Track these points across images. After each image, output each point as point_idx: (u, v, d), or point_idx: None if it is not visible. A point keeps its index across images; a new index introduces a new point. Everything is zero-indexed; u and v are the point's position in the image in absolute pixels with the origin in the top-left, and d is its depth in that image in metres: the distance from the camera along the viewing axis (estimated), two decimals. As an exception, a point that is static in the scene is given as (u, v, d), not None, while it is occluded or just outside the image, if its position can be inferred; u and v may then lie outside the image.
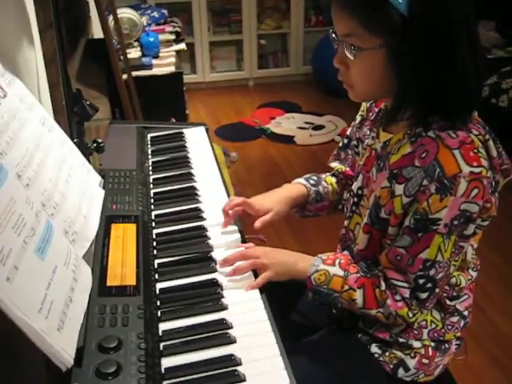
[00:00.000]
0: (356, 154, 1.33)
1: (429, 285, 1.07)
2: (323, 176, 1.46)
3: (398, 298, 1.10)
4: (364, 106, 1.32)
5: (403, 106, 1.06)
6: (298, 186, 1.40)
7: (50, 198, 1.04)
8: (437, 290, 1.09)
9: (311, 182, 1.41)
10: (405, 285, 1.09)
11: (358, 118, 1.34)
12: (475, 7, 1.02)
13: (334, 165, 1.43)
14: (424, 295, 1.08)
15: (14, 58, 1.23)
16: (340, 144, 1.41)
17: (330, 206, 1.44)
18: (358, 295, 1.13)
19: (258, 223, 1.29)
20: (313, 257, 1.19)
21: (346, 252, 1.27)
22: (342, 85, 1.13)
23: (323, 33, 5.06)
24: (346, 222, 1.29)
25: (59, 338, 0.80)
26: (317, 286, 1.15)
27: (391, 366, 1.19)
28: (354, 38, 1.03)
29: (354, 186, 1.25)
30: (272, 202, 1.34)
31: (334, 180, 1.45)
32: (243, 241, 1.26)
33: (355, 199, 1.25)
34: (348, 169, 1.40)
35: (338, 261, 1.17)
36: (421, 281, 1.07)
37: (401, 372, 1.19)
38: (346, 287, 1.13)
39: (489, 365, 2.13)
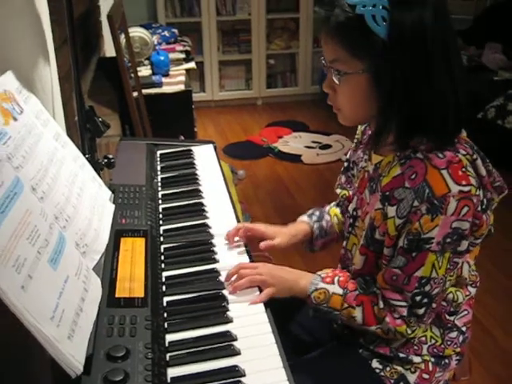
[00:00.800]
0: (352, 176, 1.36)
1: (425, 300, 1.10)
2: (327, 209, 1.48)
3: (396, 315, 1.12)
4: (359, 129, 1.36)
5: (385, 129, 1.09)
6: (301, 225, 1.44)
7: (63, 210, 1.07)
8: (433, 305, 1.12)
9: (314, 218, 1.44)
10: (402, 303, 1.11)
11: (355, 141, 1.37)
12: (482, 30, 1.06)
13: (339, 191, 1.44)
14: (421, 311, 1.11)
15: (30, 74, 1.27)
16: (342, 168, 1.44)
17: (337, 238, 1.46)
18: (358, 313, 1.15)
19: (263, 244, 1.32)
20: (308, 274, 1.23)
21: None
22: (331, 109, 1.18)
23: (331, 53, 5.11)
24: (344, 243, 1.32)
25: (69, 345, 0.83)
26: (317, 304, 1.18)
27: (392, 381, 1.20)
28: (339, 63, 1.08)
29: (350, 208, 1.28)
30: (279, 232, 1.38)
31: (338, 210, 1.46)
32: (250, 256, 1.28)
33: (351, 220, 1.28)
34: (351, 193, 1.40)
35: (336, 278, 1.20)
36: (417, 298, 1.10)
37: None
38: (346, 305, 1.16)
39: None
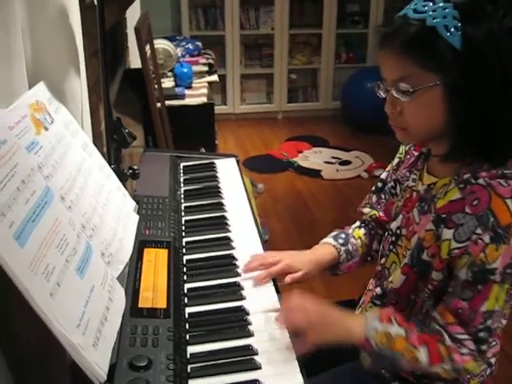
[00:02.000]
0: (392, 195, 1.34)
1: (486, 335, 1.07)
2: (350, 231, 1.44)
3: (464, 351, 1.07)
4: (402, 148, 1.34)
5: (463, 143, 1.07)
6: (327, 248, 1.38)
7: (90, 220, 1.09)
8: (490, 340, 1.09)
9: (340, 241, 1.39)
10: (468, 337, 1.07)
11: (396, 161, 1.35)
12: None
13: (367, 210, 1.41)
14: (484, 347, 1.08)
15: (61, 85, 1.30)
16: (373, 188, 1.41)
17: (360, 262, 1.42)
18: (422, 353, 1.08)
19: (288, 279, 1.27)
20: (358, 316, 1.16)
21: (378, 289, 1.28)
22: (389, 127, 1.14)
23: (353, 69, 5.15)
24: (382, 260, 1.30)
25: (94, 353, 0.84)
26: (379, 349, 1.08)
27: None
28: (409, 79, 1.05)
29: (393, 226, 1.26)
30: (303, 262, 1.32)
31: (362, 232, 1.43)
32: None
33: (393, 238, 1.25)
34: (382, 214, 1.38)
35: (393, 318, 1.12)
36: (481, 334, 1.06)
37: None
38: (409, 346, 1.08)
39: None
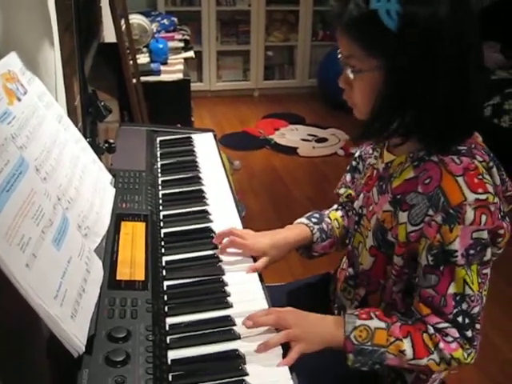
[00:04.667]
0: (359, 172, 1.33)
1: (467, 320, 1.03)
2: (326, 212, 1.42)
3: (449, 339, 1.04)
4: None
5: (388, 127, 1.06)
6: (300, 227, 1.36)
7: (66, 192, 1.07)
8: (478, 327, 1.05)
9: (313, 220, 1.37)
10: (449, 325, 1.04)
11: None
12: (480, 28, 1.02)
13: (343, 191, 1.40)
14: (468, 333, 1.04)
15: (34, 57, 1.27)
16: (348, 167, 1.39)
17: (337, 243, 1.39)
18: (406, 345, 1.04)
19: (250, 270, 1.20)
20: (336, 318, 1.11)
21: (350, 269, 1.28)
22: (347, 103, 1.14)
23: (330, 47, 5.12)
24: (351, 239, 1.30)
25: (72, 325, 0.84)
26: (359, 344, 1.05)
27: (389, 380, 1.20)
28: (353, 59, 1.05)
29: (356, 205, 1.26)
30: (268, 245, 1.27)
31: (339, 214, 1.41)
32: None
33: (357, 218, 1.25)
34: (354, 192, 1.37)
35: (372, 313, 1.08)
36: (459, 318, 1.03)
37: None
38: (392, 339, 1.05)
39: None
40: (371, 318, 1.07)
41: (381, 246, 1.15)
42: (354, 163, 1.38)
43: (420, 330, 1.05)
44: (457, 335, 1.04)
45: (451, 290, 1.02)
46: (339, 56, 1.10)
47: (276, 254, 1.28)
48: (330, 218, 1.41)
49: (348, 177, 1.39)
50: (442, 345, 1.03)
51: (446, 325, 1.04)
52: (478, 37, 1.03)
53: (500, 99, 3.88)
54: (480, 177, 1.01)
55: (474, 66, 1.03)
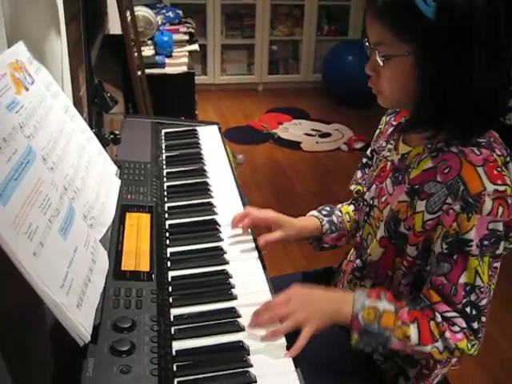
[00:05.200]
0: (369, 167, 1.34)
1: (474, 312, 1.04)
2: (338, 206, 1.44)
3: (456, 329, 1.04)
4: (383, 119, 1.34)
5: (420, 117, 1.06)
6: (310, 219, 1.39)
7: (72, 182, 1.07)
8: (483, 319, 1.06)
9: (323, 212, 1.40)
10: (457, 315, 1.04)
11: (377, 131, 1.35)
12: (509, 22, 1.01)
13: (353, 187, 1.40)
14: (475, 325, 1.05)
15: (41, 47, 1.27)
16: (359, 164, 1.40)
17: (348, 235, 1.41)
18: (412, 330, 1.04)
19: (262, 240, 1.25)
20: (349, 294, 1.10)
21: (358, 260, 1.28)
22: (370, 91, 1.14)
23: (334, 42, 5.13)
24: (360, 231, 1.30)
25: (78, 313, 0.84)
26: (366, 325, 1.05)
27: (392, 374, 1.21)
28: (384, 45, 1.04)
29: (367, 196, 1.26)
30: (285, 221, 1.32)
31: (351, 208, 1.42)
32: (253, 238, 1.28)
33: (367, 209, 1.26)
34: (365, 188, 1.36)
35: (383, 294, 1.09)
36: (467, 309, 1.04)
37: (401, 381, 1.20)
38: (399, 323, 1.05)
39: (485, 380, 2.15)
40: (380, 299, 1.07)
41: (392, 237, 1.15)
42: (364, 160, 1.39)
43: (428, 316, 1.05)
44: (464, 325, 1.04)
45: (462, 279, 1.03)
46: (366, 43, 1.10)
47: (290, 234, 1.32)
48: (341, 211, 1.42)
49: (359, 174, 1.40)
50: (448, 334, 1.04)
51: (454, 314, 1.04)
52: (509, 28, 1.03)
53: (505, 96, 3.88)
54: (499, 169, 1.02)
55: (506, 58, 1.03)
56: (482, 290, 1.03)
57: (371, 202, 1.25)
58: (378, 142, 1.32)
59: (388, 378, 1.21)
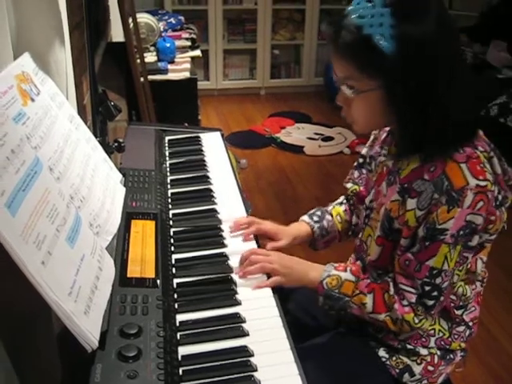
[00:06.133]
0: (369, 171, 1.38)
1: (434, 293, 1.12)
2: (329, 208, 1.49)
3: (405, 302, 1.14)
4: None
5: (406, 138, 1.14)
6: (302, 225, 1.45)
7: (78, 191, 1.09)
8: (441, 299, 1.14)
9: (315, 218, 1.45)
10: (412, 290, 1.13)
11: (371, 137, 1.40)
12: (487, 28, 1.10)
13: (350, 185, 1.46)
14: (430, 302, 1.13)
15: (46, 57, 1.29)
16: (355, 163, 1.45)
17: (339, 237, 1.47)
18: (368, 299, 1.17)
19: (269, 246, 1.33)
20: (320, 264, 1.25)
21: (358, 262, 1.33)
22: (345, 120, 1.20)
23: (336, 46, 5.12)
24: (360, 234, 1.34)
25: (86, 320, 0.86)
26: (328, 289, 1.20)
27: (397, 371, 1.23)
28: (351, 80, 1.10)
29: (367, 200, 1.31)
30: (282, 232, 1.38)
31: (342, 209, 1.48)
32: (257, 242, 1.31)
33: (367, 212, 1.30)
34: (362, 188, 1.42)
35: (349, 268, 1.23)
36: (427, 288, 1.12)
37: (406, 377, 1.23)
38: (357, 291, 1.18)
39: (488, 379, 2.17)
40: (345, 271, 1.22)
41: (388, 234, 1.20)
42: (360, 160, 1.43)
43: (383, 289, 1.17)
44: (413, 301, 1.14)
45: (430, 262, 1.11)
46: (334, 77, 1.15)
47: (289, 243, 1.37)
48: (331, 214, 1.47)
49: (356, 173, 1.44)
50: (396, 306, 1.14)
51: (409, 289, 1.14)
52: (460, 47, 1.15)
53: (506, 98, 3.89)
54: (481, 165, 1.08)
55: (463, 72, 1.12)
56: (446, 273, 1.11)
57: (370, 204, 1.29)
58: (374, 147, 1.36)
59: (393, 374, 1.24)
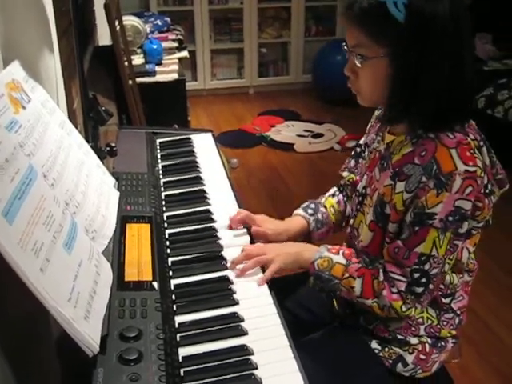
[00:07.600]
0: (363, 158, 1.40)
1: (423, 279, 1.14)
2: (322, 200, 1.50)
3: (394, 290, 1.16)
4: (376, 114, 1.41)
5: (394, 107, 1.16)
6: (297, 219, 1.45)
7: (73, 197, 1.10)
8: (431, 287, 1.15)
9: (309, 211, 1.46)
10: (402, 278, 1.15)
11: (368, 125, 1.42)
12: (472, 20, 1.12)
13: (346, 174, 1.47)
14: (419, 289, 1.15)
15: (35, 64, 1.29)
16: (352, 152, 1.47)
17: (334, 228, 1.49)
18: (357, 283, 1.19)
19: (253, 230, 1.35)
20: (317, 246, 1.27)
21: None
22: (350, 92, 1.24)
23: (323, 42, 5.16)
24: (351, 221, 1.36)
25: (86, 326, 0.86)
26: (319, 270, 1.23)
27: (390, 362, 1.25)
28: (361, 48, 1.14)
29: (360, 186, 1.33)
30: (282, 229, 1.39)
31: (334, 200, 1.49)
32: (252, 241, 1.32)
33: (360, 198, 1.32)
34: (358, 177, 1.42)
35: (341, 251, 1.25)
36: (416, 275, 1.14)
37: (399, 367, 1.25)
38: (347, 275, 1.21)
39: (486, 371, 2.18)
40: (337, 254, 1.24)
41: (379, 220, 1.22)
42: (358, 149, 1.45)
43: (373, 275, 1.19)
44: (402, 289, 1.15)
45: (419, 249, 1.12)
46: (345, 46, 1.19)
47: (282, 239, 1.38)
48: (325, 206, 1.48)
49: (352, 162, 1.46)
50: (385, 292, 1.16)
51: (399, 277, 1.15)
52: (470, 31, 1.14)
53: (493, 90, 3.92)
54: (471, 151, 1.11)
55: (469, 55, 1.14)
56: (435, 260, 1.13)
57: (363, 191, 1.31)
58: (370, 135, 1.39)
59: (386, 365, 1.25)
